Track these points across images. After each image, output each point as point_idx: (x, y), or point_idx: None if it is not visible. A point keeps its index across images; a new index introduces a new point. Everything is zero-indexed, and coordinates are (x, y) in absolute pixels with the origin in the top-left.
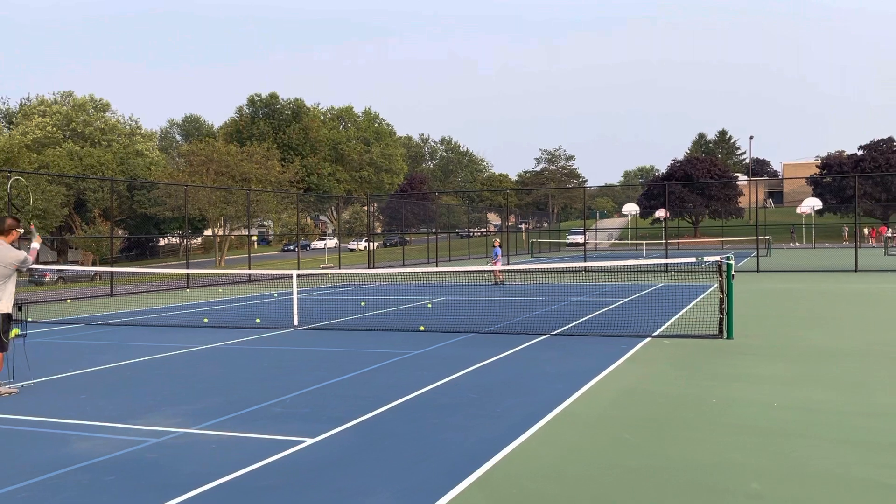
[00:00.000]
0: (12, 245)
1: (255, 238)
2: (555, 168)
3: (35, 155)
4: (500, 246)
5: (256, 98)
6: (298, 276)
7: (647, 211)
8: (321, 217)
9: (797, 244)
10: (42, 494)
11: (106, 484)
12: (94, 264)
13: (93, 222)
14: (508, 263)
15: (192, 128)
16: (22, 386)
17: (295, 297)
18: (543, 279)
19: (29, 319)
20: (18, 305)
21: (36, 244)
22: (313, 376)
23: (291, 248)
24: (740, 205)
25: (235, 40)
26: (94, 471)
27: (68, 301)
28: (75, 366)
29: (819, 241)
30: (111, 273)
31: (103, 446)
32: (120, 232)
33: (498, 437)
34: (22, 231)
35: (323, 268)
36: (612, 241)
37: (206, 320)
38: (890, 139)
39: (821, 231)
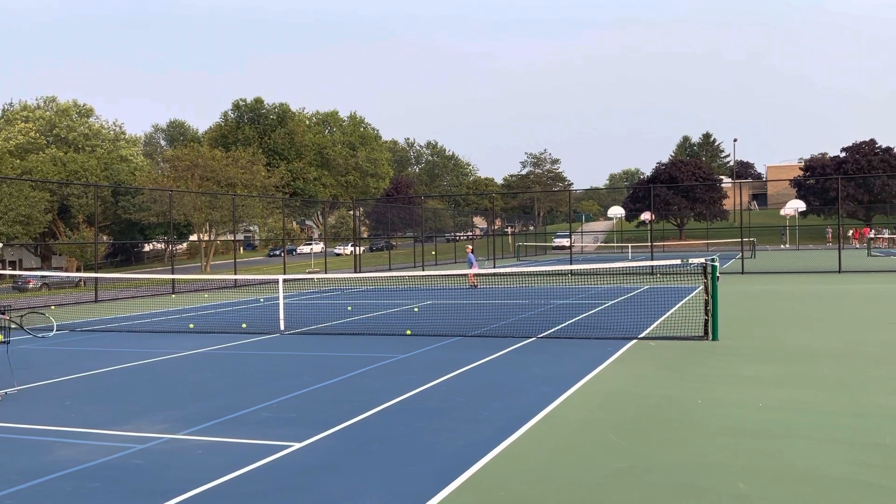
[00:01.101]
0: None
1: (240, 243)
2: (540, 171)
3: (18, 161)
4: (472, 252)
5: (241, 103)
6: (285, 280)
7: (632, 214)
8: (307, 222)
9: (786, 245)
10: (28, 501)
11: (91, 491)
12: (78, 270)
13: (77, 228)
14: (495, 267)
15: (177, 133)
16: (5, 393)
17: (281, 301)
18: (529, 282)
19: (13, 326)
20: (1, 311)
21: None
22: (300, 381)
23: (277, 252)
24: (725, 207)
25: (220, 45)
26: (79, 477)
27: (52, 307)
28: (60, 372)
29: (803, 242)
30: (96, 279)
31: (88, 453)
32: (104, 238)
33: (485, 440)
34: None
35: (309, 272)
36: (598, 244)
37: (191, 326)
38: (872, 141)
39: (805, 232)
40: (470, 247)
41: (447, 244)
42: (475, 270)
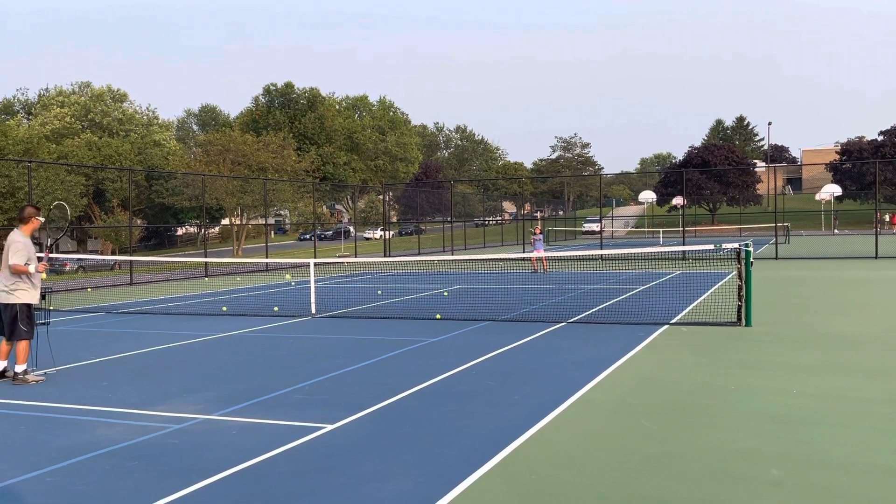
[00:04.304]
0: (33, 235)
1: (272, 227)
2: (570, 156)
3: (54, 145)
4: (540, 233)
5: (272, 88)
6: (315, 264)
7: (663, 198)
8: (337, 206)
9: (837, 231)
10: (68, 479)
11: (129, 469)
12: (113, 253)
13: (112, 212)
14: (524, 252)
15: (209, 118)
16: (45, 373)
17: (312, 285)
18: (560, 267)
19: (51, 308)
20: (42, 294)
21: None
22: (331, 363)
23: (308, 236)
24: (758, 192)
25: (251, 30)
26: (118, 456)
27: (89, 290)
28: (97, 353)
29: (839, 227)
30: (130, 262)
31: (125, 432)
32: (138, 221)
33: (516, 423)
34: (42, 220)
35: (339, 256)
36: (629, 228)
37: (224, 308)
38: None
39: (841, 217)
40: (538, 227)
41: (476, 229)
42: (538, 254)
